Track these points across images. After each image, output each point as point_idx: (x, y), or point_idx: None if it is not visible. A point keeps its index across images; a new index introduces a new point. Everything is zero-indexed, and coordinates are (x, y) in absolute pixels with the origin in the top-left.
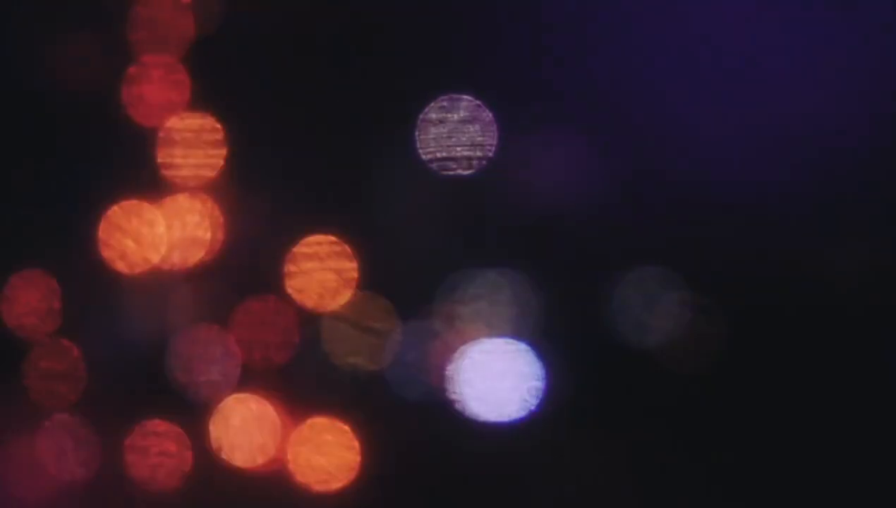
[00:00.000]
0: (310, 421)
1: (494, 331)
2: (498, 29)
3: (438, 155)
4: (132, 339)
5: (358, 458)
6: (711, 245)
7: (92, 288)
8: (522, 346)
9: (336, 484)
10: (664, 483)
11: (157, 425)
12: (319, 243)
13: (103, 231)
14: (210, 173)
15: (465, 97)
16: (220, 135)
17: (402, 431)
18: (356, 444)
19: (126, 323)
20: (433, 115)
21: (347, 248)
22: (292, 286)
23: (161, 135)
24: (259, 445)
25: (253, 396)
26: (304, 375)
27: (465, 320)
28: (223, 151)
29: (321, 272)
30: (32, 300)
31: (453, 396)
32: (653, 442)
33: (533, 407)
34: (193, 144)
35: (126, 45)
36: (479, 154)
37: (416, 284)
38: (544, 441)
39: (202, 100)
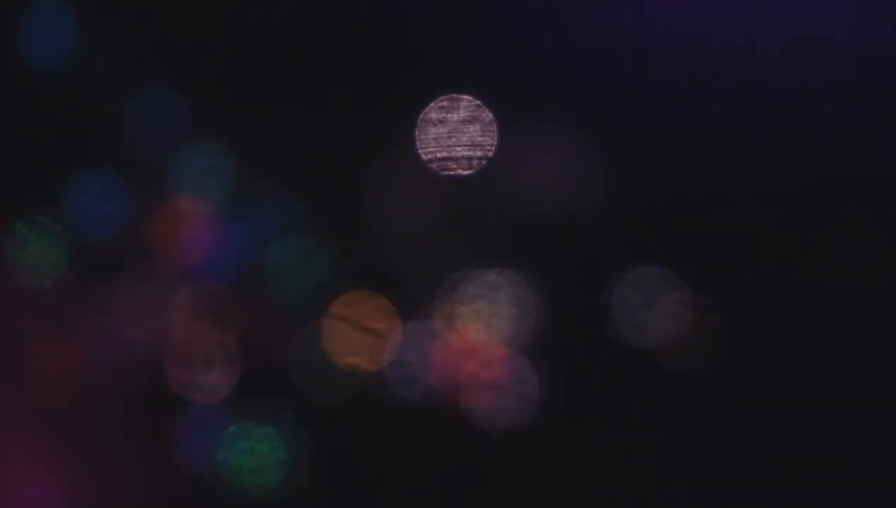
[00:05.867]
0: None
1: (494, 331)
2: (498, 29)
3: (438, 155)
4: (132, 339)
5: None
6: (711, 245)
7: (95, 288)
8: (522, 346)
9: None
10: (664, 483)
11: (158, 425)
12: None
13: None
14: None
15: (465, 97)
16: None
17: (402, 431)
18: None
19: (126, 323)
20: (433, 115)
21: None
22: (292, 285)
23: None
24: None
25: None
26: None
27: (465, 320)
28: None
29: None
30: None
31: (454, 396)
32: (652, 442)
33: (532, 408)
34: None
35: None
36: (479, 154)
37: (416, 284)
38: (544, 441)
39: (203, 98)
